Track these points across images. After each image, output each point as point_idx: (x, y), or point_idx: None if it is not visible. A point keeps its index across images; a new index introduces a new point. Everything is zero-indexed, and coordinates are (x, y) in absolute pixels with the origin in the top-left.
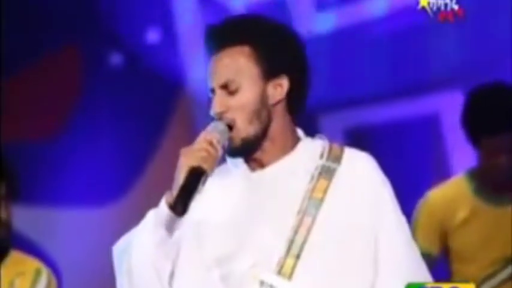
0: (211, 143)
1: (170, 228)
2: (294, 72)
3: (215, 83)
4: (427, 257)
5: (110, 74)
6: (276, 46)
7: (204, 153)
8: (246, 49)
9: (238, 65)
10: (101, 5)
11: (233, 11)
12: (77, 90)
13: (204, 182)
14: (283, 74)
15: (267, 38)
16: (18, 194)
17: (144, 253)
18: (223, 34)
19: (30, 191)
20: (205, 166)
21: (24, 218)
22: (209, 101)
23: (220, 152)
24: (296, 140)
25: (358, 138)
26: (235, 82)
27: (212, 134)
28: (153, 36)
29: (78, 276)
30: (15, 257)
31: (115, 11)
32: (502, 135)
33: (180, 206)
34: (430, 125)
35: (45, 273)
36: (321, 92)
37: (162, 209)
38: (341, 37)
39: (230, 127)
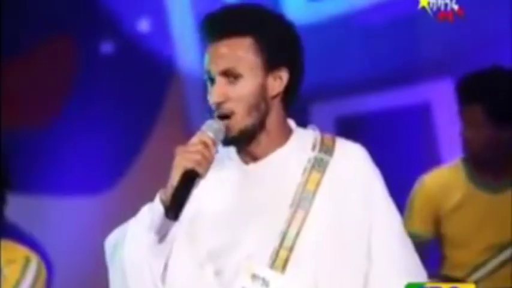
0: (206, 145)
1: (164, 228)
2: (294, 65)
3: (215, 69)
4: (421, 241)
5: (103, 63)
6: (277, 37)
7: (198, 156)
8: (247, 40)
9: (239, 55)
10: None
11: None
12: (69, 79)
13: (197, 185)
14: (284, 66)
15: (269, 29)
16: (10, 182)
17: (138, 253)
18: (224, 24)
19: (22, 179)
20: (199, 169)
21: (16, 207)
22: (205, 90)
23: (215, 152)
24: (289, 132)
25: (349, 127)
26: (237, 70)
27: (207, 134)
28: (145, 24)
29: (70, 265)
30: (5, 245)
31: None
32: (471, 106)
33: (173, 212)
34: (421, 114)
35: (34, 260)
36: (312, 81)
37: (157, 208)
38: (332, 26)
39: (227, 116)
